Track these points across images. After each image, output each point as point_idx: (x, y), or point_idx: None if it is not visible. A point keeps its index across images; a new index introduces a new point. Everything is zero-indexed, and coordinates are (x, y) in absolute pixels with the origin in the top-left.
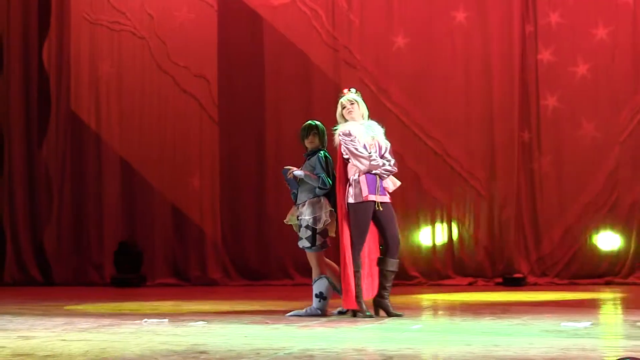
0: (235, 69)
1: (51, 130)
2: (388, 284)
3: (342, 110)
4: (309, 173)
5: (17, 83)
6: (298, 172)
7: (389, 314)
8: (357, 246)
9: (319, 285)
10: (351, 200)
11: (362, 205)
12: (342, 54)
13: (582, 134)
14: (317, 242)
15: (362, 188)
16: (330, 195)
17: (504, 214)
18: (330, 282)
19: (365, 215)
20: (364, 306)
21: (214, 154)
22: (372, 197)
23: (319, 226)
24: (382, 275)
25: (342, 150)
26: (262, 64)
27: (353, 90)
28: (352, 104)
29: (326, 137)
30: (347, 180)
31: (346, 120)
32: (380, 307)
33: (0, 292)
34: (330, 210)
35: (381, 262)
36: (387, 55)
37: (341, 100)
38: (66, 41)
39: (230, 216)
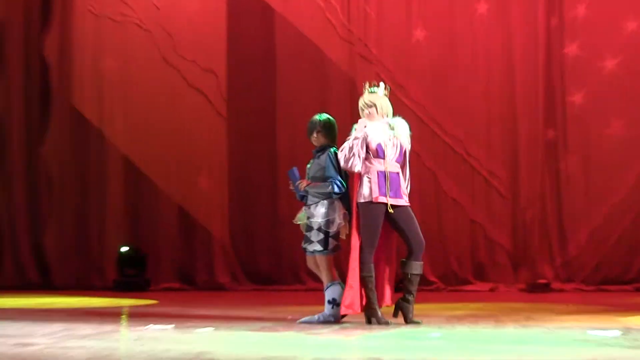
0: (245, 63)
1: (52, 127)
2: (413, 288)
3: (361, 112)
4: (318, 184)
5: (16, 77)
6: (310, 188)
7: (407, 320)
8: (367, 249)
9: (332, 292)
10: (361, 199)
11: (372, 206)
12: (357, 47)
13: (611, 133)
14: (330, 246)
15: (373, 188)
16: (344, 196)
17: (527, 216)
18: (343, 288)
19: (375, 216)
20: (379, 313)
21: (223, 152)
22: (382, 199)
23: (332, 229)
24: (407, 279)
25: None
26: (273, 58)
27: (375, 87)
28: (370, 107)
29: (335, 131)
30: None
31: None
32: (401, 310)
33: None
34: (344, 212)
35: (405, 266)
36: (405, 49)
37: (360, 102)
38: (68, 34)
39: (240, 218)
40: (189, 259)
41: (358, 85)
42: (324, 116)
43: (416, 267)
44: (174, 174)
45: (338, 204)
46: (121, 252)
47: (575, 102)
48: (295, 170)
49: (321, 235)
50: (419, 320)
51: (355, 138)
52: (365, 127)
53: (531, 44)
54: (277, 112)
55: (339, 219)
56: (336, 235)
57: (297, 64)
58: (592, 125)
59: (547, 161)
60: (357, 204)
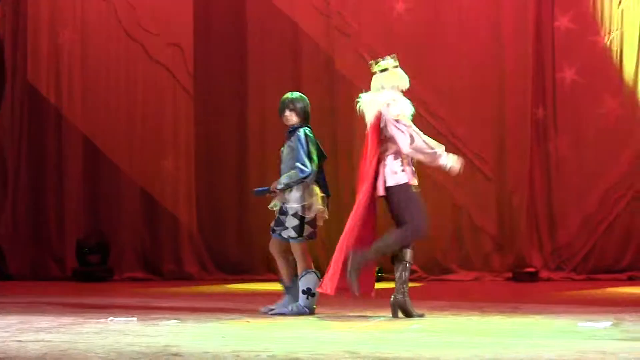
0: (213, 37)
1: (5, 105)
2: (408, 277)
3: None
4: (284, 182)
5: None
6: (279, 186)
7: (412, 315)
8: (419, 232)
9: (307, 281)
10: (392, 182)
11: (409, 186)
12: (334, 20)
13: (605, 111)
14: (305, 233)
15: (408, 173)
16: (322, 179)
17: (515, 201)
18: (318, 277)
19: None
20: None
21: (189, 131)
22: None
23: (309, 215)
24: (405, 268)
25: (388, 126)
26: (244, 31)
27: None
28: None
29: (308, 110)
30: (380, 160)
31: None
32: (402, 307)
33: None
34: (322, 196)
35: (405, 254)
36: (386, 23)
37: (401, 77)
38: (23, 5)
39: (208, 202)
40: (154, 247)
41: (335, 61)
42: (296, 94)
43: (413, 255)
44: (137, 156)
45: (314, 188)
46: (81, 241)
47: (567, 78)
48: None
49: (296, 222)
50: (423, 313)
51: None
52: (399, 105)
53: (520, 16)
54: (247, 90)
55: (316, 204)
56: (313, 222)
57: (270, 38)
58: (585, 104)
59: (536, 142)
60: (391, 187)
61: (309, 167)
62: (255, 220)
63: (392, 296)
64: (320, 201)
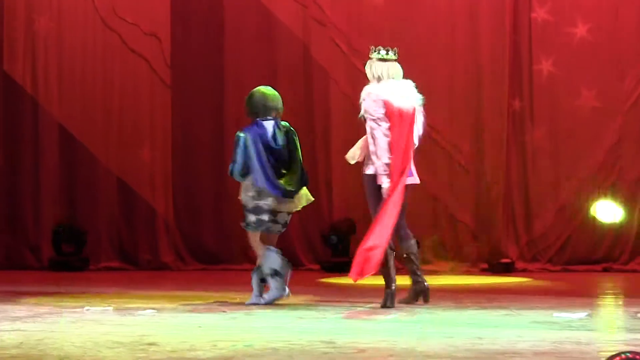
0: (190, 26)
1: None
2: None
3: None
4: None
5: None
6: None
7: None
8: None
9: (270, 262)
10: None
11: None
12: (310, 10)
13: (581, 103)
14: (248, 220)
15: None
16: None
17: (491, 192)
18: (280, 255)
19: None
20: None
21: (166, 122)
22: None
23: (248, 205)
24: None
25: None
26: (220, 21)
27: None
28: None
29: (255, 103)
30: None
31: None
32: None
33: None
34: (258, 187)
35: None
36: (362, 12)
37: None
38: None
39: (185, 192)
40: (130, 236)
41: (311, 50)
42: (259, 89)
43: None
44: (113, 145)
45: (249, 181)
46: (57, 230)
47: (543, 70)
48: None
49: (244, 211)
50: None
51: None
52: None
53: (497, 7)
54: (224, 80)
55: (246, 194)
56: (257, 210)
57: (246, 27)
58: (561, 96)
59: (512, 133)
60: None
61: (230, 167)
62: (232, 211)
63: (422, 283)
64: (256, 193)
